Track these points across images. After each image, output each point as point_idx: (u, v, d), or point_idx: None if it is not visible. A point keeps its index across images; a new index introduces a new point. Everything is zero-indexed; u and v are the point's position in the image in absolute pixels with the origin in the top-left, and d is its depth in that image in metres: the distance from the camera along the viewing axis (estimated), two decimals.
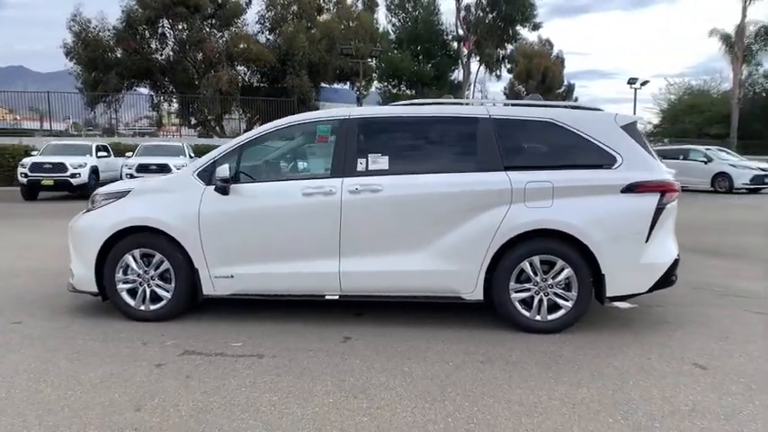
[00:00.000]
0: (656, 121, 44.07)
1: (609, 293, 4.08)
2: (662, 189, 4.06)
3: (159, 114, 27.33)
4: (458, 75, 31.77)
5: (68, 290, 4.70)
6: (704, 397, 3.10)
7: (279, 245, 4.27)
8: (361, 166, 4.24)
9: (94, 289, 4.48)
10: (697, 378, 3.35)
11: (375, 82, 31.22)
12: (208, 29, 26.19)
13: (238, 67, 26.56)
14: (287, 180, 4.41)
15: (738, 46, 26.20)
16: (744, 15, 25.61)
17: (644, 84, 29.57)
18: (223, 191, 4.27)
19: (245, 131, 28.03)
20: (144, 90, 27.31)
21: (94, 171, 15.81)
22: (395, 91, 31.98)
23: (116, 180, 17.52)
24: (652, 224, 4.04)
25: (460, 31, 30.64)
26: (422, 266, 4.16)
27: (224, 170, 4.15)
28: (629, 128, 4.23)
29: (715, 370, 3.47)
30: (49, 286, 5.56)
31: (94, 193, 4.78)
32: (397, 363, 3.61)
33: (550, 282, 4.11)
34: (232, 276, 4.32)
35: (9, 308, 4.83)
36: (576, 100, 59.81)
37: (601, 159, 4.14)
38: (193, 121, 26.79)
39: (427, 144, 4.37)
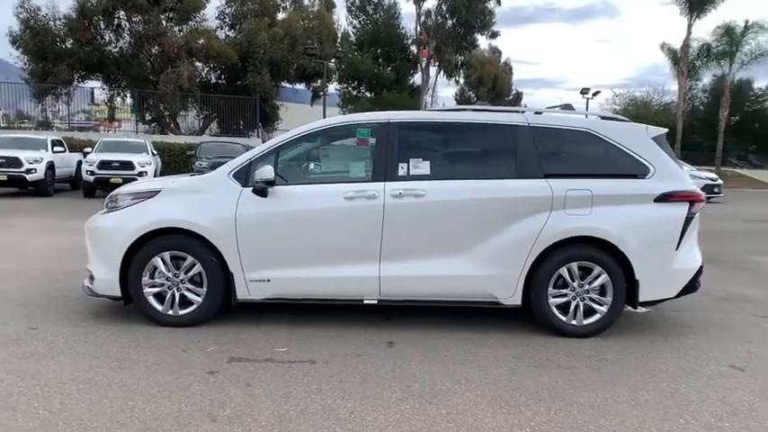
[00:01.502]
0: None
1: (641, 299, 4.25)
2: (691, 199, 4.27)
3: (112, 108, 26.16)
4: (417, 79, 32.10)
5: (86, 293, 4.46)
6: (755, 397, 3.28)
7: (318, 248, 4.21)
8: (402, 171, 4.24)
9: (118, 293, 4.27)
10: (740, 380, 3.55)
11: (335, 83, 31.16)
12: (165, 22, 25.33)
13: (196, 63, 25.80)
14: (327, 183, 4.34)
15: (684, 61, 27.76)
16: (688, 33, 27.17)
17: (596, 94, 30.86)
18: (262, 193, 4.17)
19: (202, 129, 27.31)
20: (96, 83, 26.10)
21: (51, 167, 14.97)
22: (354, 93, 32.01)
23: (71, 176, 16.87)
24: (682, 232, 4.25)
25: (420, 36, 30.98)
26: (462, 272, 4.20)
27: (267, 172, 4.05)
28: (659, 139, 4.43)
29: (753, 372, 3.69)
30: (48, 289, 5.27)
31: (114, 192, 4.56)
32: (452, 368, 3.63)
33: (587, 287, 4.24)
34: (268, 280, 4.22)
35: (19, 313, 4.53)
36: (526, 107, 61.36)
37: (635, 169, 4.31)
38: (148, 117, 25.81)
39: (467, 150, 4.42)
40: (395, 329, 4.35)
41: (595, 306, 4.26)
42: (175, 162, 20.34)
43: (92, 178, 14.67)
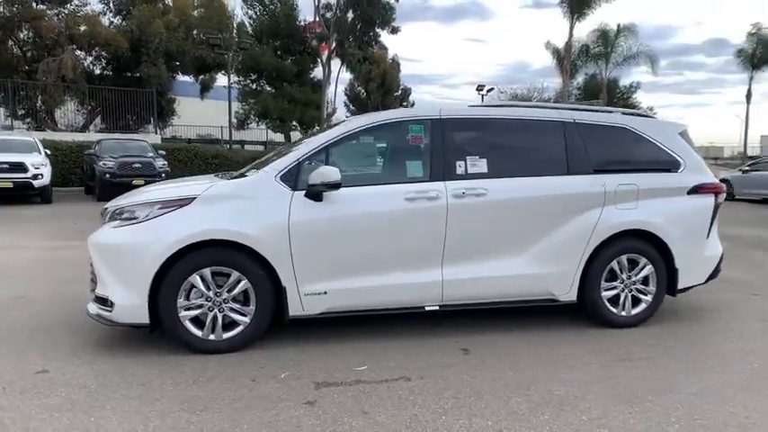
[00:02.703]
0: None
1: (679, 286, 4.46)
2: (717, 190, 4.55)
3: None
4: (319, 73, 31.44)
5: (101, 323, 3.78)
6: None
7: (379, 255, 3.92)
8: (460, 169, 4.07)
9: (146, 320, 3.66)
10: None
11: (232, 76, 29.52)
12: (36, 4, 22.48)
13: (77, 52, 23.22)
14: (383, 184, 4.03)
15: (567, 60, 30.05)
16: (570, 34, 29.45)
17: (489, 90, 32.38)
18: (317, 196, 3.78)
19: (86, 125, 24.66)
20: None
21: None
22: (254, 87, 30.72)
23: None
24: (711, 221, 4.52)
25: (318, 29, 30.37)
26: (522, 270, 4.14)
27: (332, 173, 3.67)
28: (683, 134, 4.67)
29: None
30: (40, 317, 4.42)
31: (123, 203, 3.89)
32: (546, 370, 3.54)
33: (634, 279, 4.36)
34: (325, 293, 3.85)
35: (23, 351, 3.73)
36: (414, 104, 63.27)
37: (668, 163, 4.51)
38: (20, 112, 22.78)
39: (520, 146, 4.34)
40: (463, 335, 4.17)
41: (641, 296, 4.40)
42: (63, 163, 18.21)
43: None
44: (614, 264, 4.31)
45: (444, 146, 4.07)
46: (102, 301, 3.74)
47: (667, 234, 4.33)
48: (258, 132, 36.12)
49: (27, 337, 4.01)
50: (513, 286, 4.17)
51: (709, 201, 4.51)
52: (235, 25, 29.81)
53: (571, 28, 29.12)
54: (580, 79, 36.87)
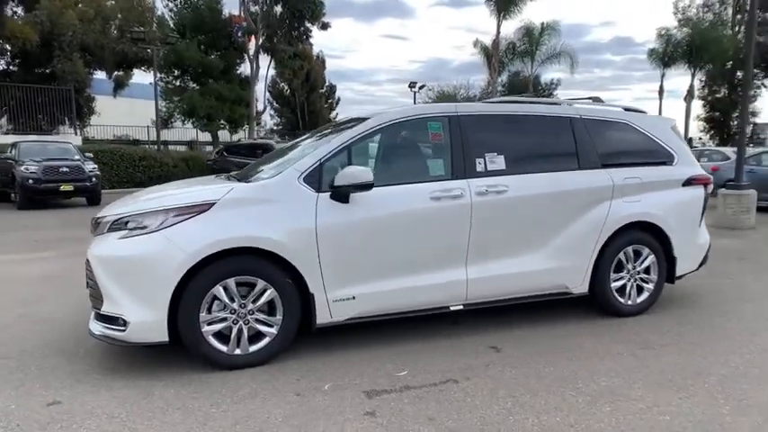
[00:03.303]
0: None
1: (677, 274, 4.69)
2: (706, 182, 4.82)
3: None
4: (246, 69, 30.46)
5: (111, 344, 3.44)
6: None
7: (406, 256, 3.82)
8: (480, 167, 4.05)
9: (165, 337, 3.36)
10: None
11: (151, 72, 27.99)
12: None
13: None
14: (407, 183, 3.91)
15: (495, 58, 30.97)
16: (498, 31, 30.41)
17: (421, 87, 32.82)
18: (344, 198, 3.62)
19: None
20: None
21: None
22: (178, 83, 29.27)
23: None
24: (702, 211, 4.78)
25: (244, 23, 29.43)
26: (540, 266, 4.19)
27: (363, 173, 3.52)
28: (674, 129, 4.90)
29: None
30: (19, 344, 3.95)
31: (127, 212, 3.54)
32: (582, 363, 3.60)
33: (638, 268, 4.54)
34: (353, 298, 3.70)
35: (19, 383, 3.30)
36: (339, 100, 63.05)
37: (664, 157, 4.72)
38: None
39: (534, 142, 4.37)
40: (477, 332, 4.16)
41: (644, 285, 4.58)
42: None
43: None
44: (621, 255, 4.46)
45: (463, 143, 4.03)
46: (111, 320, 3.40)
47: (667, 224, 4.53)
48: (182, 132, 34.54)
49: (17, 368, 3.57)
50: (532, 281, 4.21)
51: (700, 192, 4.76)
52: (155, 19, 28.28)
53: (498, 26, 30.05)
54: (504, 77, 38.12)
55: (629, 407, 2.98)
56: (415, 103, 37.72)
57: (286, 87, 54.93)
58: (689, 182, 4.71)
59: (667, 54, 31.45)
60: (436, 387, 3.24)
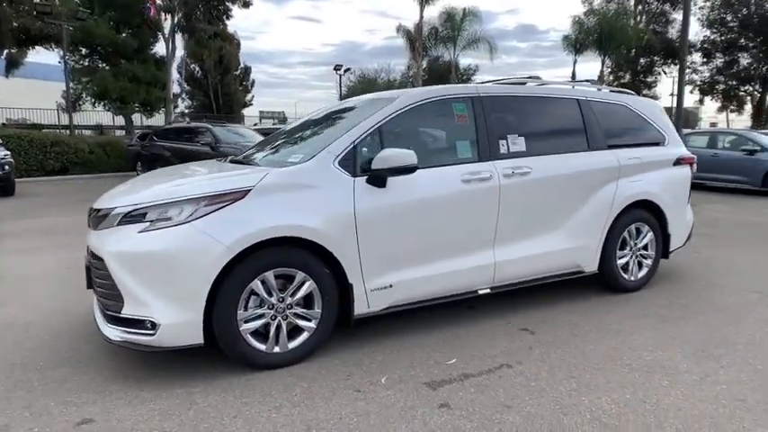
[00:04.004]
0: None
1: (670, 249, 4.93)
2: (692, 161, 5.08)
3: None
4: (161, 49, 28.61)
5: (135, 349, 3.09)
6: None
7: (439, 240, 3.73)
8: (503, 149, 4.01)
9: (200, 339, 3.07)
10: None
11: (55, 51, 25.58)
12: None
13: None
14: (437, 166, 3.76)
15: (419, 42, 31.19)
16: (421, 16, 30.60)
17: (347, 71, 32.44)
18: (381, 182, 3.46)
19: None
20: None
21: None
22: (86, 63, 26.88)
23: None
24: (689, 189, 5.05)
25: (159, 1, 27.60)
26: (559, 246, 4.24)
27: (405, 156, 3.37)
28: (662, 110, 5.12)
29: None
30: (6, 357, 3.44)
31: (151, 201, 3.16)
32: (618, 340, 3.68)
33: (639, 245, 4.72)
34: (390, 286, 3.56)
35: (31, 401, 2.86)
36: (253, 84, 61.26)
37: (657, 138, 4.92)
38: None
39: (549, 123, 4.39)
40: (499, 315, 4.15)
41: (644, 261, 4.78)
42: None
43: None
44: (626, 233, 4.62)
45: (487, 124, 3.97)
46: (135, 324, 3.04)
47: (664, 202, 4.75)
48: (89, 115, 32.05)
49: (14, 384, 3.12)
50: (551, 262, 4.25)
51: (687, 171, 5.02)
52: None
53: (421, 10, 30.21)
54: (424, 62, 38.54)
55: (684, 379, 3.09)
56: (340, 87, 37.36)
57: (197, 69, 52.52)
58: (678, 161, 4.95)
59: (579, 41, 33.12)
60: (494, 373, 3.18)
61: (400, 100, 3.77)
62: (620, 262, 4.62)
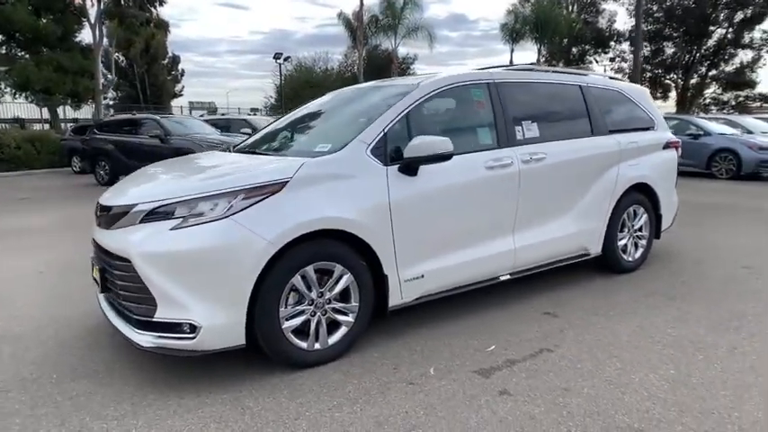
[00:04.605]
0: (273, 95, 47.58)
1: (662, 230, 5.15)
2: (677, 146, 5.32)
3: None
4: (87, 36, 26.88)
5: (172, 354, 2.90)
6: None
7: (466, 227, 3.71)
8: (519, 135, 4.03)
9: (242, 341, 2.92)
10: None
11: None
12: None
13: None
14: (461, 153, 3.70)
15: (360, 31, 30.93)
16: (361, 3, 30.33)
17: (286, 59, 31.76)
18: (413, 171, 3.39)
19: None
20: None
21: None
22: (3, 51, 24.78)
23: None
24: (677, 172, 5.29)
25: None
26: (570, 230, 4.33)
27: (441, 143, 3.30)
28: (649, 97, 5.32)
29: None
30: (19, 368, 3.12)
31: (179, 198, 2.94)
32: (639, 318, 3.81)
33: (636, 227, 4.91)
34: (422, 276, 3.51)
35: (65, 414, 2.61)
36: (183, 74, 59.06)
37: (648, 123, 5.11)
38: None
39: (557, 109, 4.45)
40: (521, 299, 4.19)
41: (639, 242, 4.97)
42: None
43: None
44: (625, 215, 4.77)
45: (504, 111, 3.98)
46: (171, 328, 2.84)
47: (657, 185, 4.95)
48: (7, 107, 29.77)
49: (33, 401, 2.85)
50: (562, 246, 4.33)
51: (674, 154, 5.25)
52: None
53: None
54: (363, 51, 38.36)
55: (716, 353, 3.23)
56: (280, 74, 36.53)
57: (121, 57, 50.05)
58: (667, 145, 5.16)
59: (516, 30, 33.99)
60: (537, 358, 3.21)
61: (424, 86, 3.70)
62: (620, 243, 4.78)
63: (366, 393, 2.83)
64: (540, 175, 4.05)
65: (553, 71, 4.69)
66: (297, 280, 3.01)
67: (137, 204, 3.00)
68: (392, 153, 3.37)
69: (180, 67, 64.41)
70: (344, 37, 32.08)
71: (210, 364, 3.13)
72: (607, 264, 4.79)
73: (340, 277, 3.17)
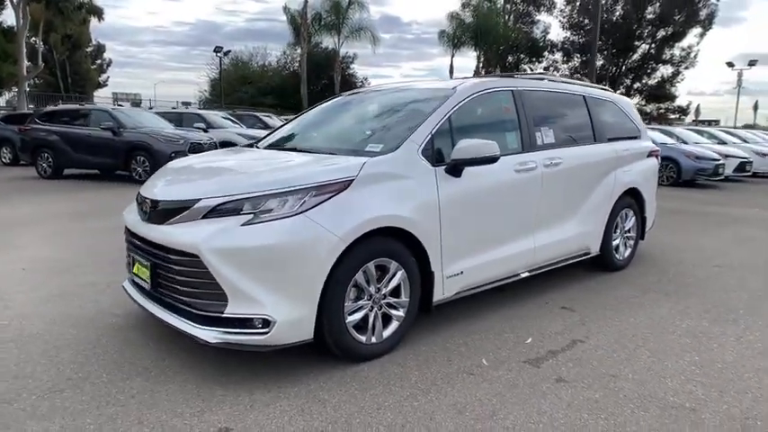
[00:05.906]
0: (207, 89, 46.26)
1: (646, 230, 5.60)
2: (658, 154, 5.79)
3: None
4: (9, 18, 25.02)
5: (244, 349, 2.91)
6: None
7: (498, 227, 3.92)
8: (539, 140, 4.29)
9: (310, 335, 2.97)
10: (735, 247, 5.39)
11: None
12: None
13: None
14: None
15: (305, 27, 30.68)
16: (306, 1, 30.14)
17: (227, 53, 30.98)
18: (458, 172, 3.56)
19: None
20: None
21: None
22: None
23: None
24: (657, 178, 5.76)
25: None
26: (576, 230, 4.64)
27: (488, 147, 3.48)
28: (634, 107, 5.76)
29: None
30: (59, 367, 2.99)
31: (248, 193, 2.95)
32: (648, 312, 4.16)
33: (627, 228, 5.31)
34: (461, 273, 3.68)
35: (134, 410, 2.56)
36: (110, 63, 56.12)
37: (635, 132, 5.54)
38: None
39: (567, 117, 4.73)
40: (534, 294, 4.45)
41: (628, 242, 5.39)
42: None
43: None
44: (618, 218, 5.16)
45: (527, 117, 4.22)
46: (241, 323, 2.85)
47: (644, 189, 5.39)
48: None
49: (101, 402, 2.76)
50: (570, 246, 4.64)
51: (656, 162, 5.73)
52: None
53: None
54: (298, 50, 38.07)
55: (726, 341, 3.60)
56: (220, 68, 35.53)
57: (38, 43, 47.04)
58: (651, 153, 5.62)
59: (457, 37, 34.90)
60: (574, 348, 3.45)
61: (461, 90, 3.86)
62: (614, 243, 5.17)
63: (433, 383, 2.95)
64: (558, 178, 4.32)
65: (561, 81, 4.99)
66: (360, 276, 3.09)
67: (200, 200, 2.97)
68: (437, 154, 3.52)
69: (106, 56, 61.22)
70: (276, 32, 31.69)
71: (248, 362, 3.14)
72: (603, 262, 5.15)
73: (395, 273, 3.27)
